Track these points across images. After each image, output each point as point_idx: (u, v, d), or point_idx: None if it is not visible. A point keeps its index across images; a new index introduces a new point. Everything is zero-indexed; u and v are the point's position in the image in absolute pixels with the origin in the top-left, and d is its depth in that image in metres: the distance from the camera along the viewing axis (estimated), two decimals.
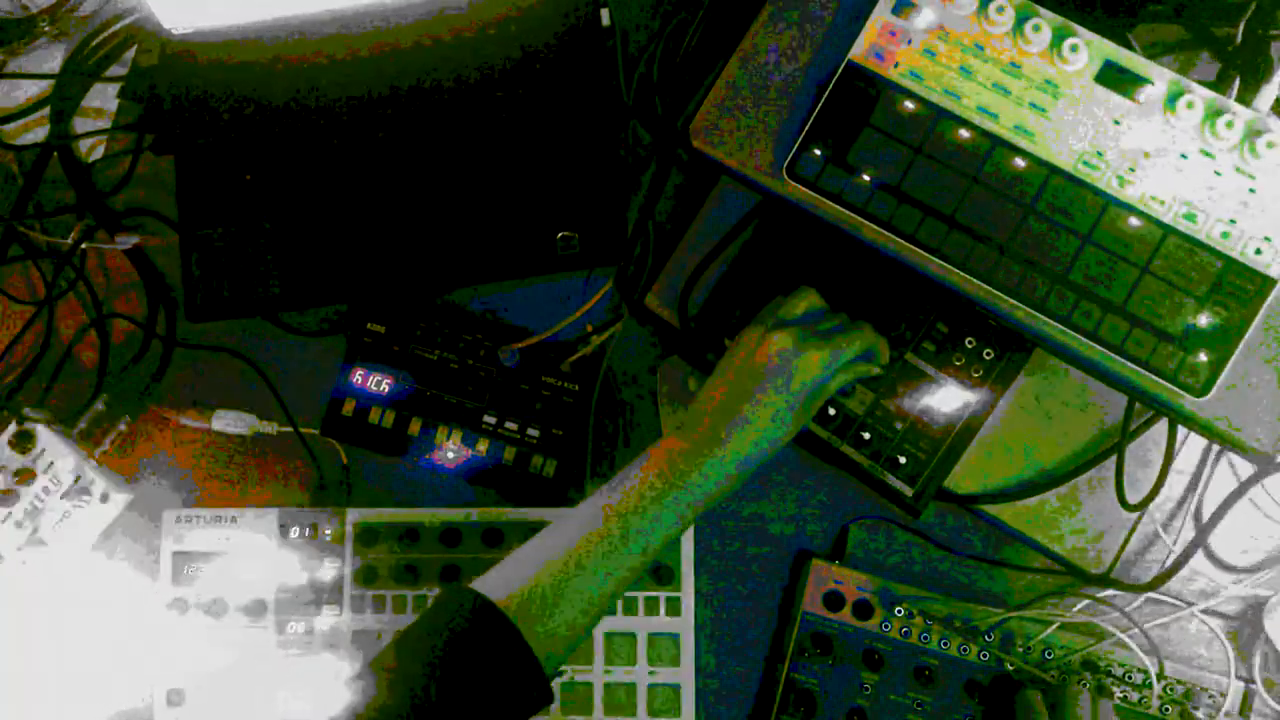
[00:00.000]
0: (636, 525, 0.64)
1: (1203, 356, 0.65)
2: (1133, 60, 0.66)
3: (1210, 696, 0.76)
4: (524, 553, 0.64)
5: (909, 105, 0.67)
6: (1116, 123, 0.66)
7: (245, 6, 0.82)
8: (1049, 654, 0.77)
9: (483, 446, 0.81)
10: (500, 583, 0.62)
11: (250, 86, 0.84)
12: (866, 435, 0.76)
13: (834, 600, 0.78)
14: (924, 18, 0.67)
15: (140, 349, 0.85)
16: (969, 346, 0.76)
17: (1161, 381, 0.65)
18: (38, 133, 0.87)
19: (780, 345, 0.67)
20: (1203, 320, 0.65)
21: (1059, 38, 0.66)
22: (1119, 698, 0.76)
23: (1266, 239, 0.64)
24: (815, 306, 0.71)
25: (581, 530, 0.64)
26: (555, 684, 0.77)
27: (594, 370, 0.82)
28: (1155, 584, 0.76)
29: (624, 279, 0.83)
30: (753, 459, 0.66)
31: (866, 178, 0.68)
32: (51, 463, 0.79)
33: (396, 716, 0.57)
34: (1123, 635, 0.75)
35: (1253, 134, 0.64)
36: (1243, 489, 0.77)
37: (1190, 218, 0.65)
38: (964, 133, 0.67)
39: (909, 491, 0.76)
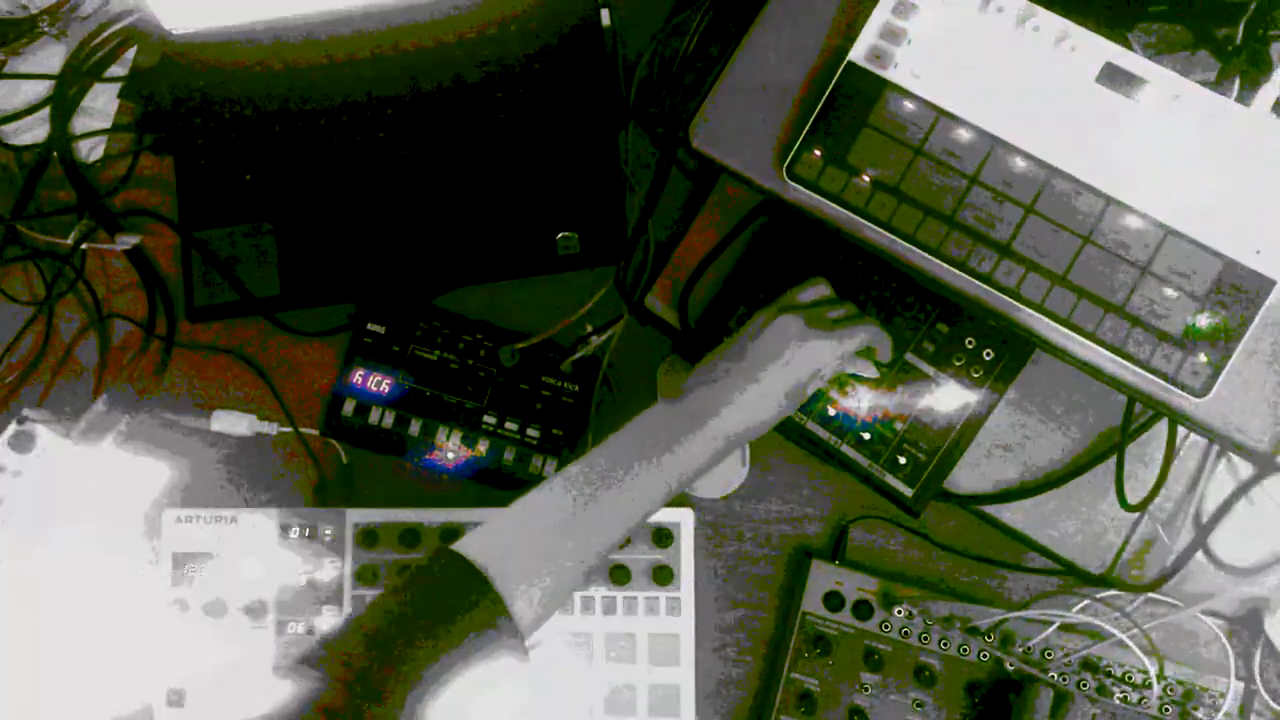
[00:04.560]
0: (622, 491, 0.63)
1: (1203, 356, 0.65)
2: (1133, 60, 0.66)
3: (1210, 696, 0.76)
4: (508, 514, 0.63)
5: (909, 105, 0.67)
6: (1116, 123, 0.66)
7: (245, 6, 0.82)
8: (1049, 654, 0.77)
9: (483, 446, 0.81)
10: (483, 544, 0.61)
11: (250, 86, 0.84)
12: (866, 435, 0.76)
13: (834, 600, 0.78)
14: (924, 17, 0.67)
15: (140, 349, 0.85)
16: (969, 346, 0.76)
17: (1161, 382, 0.65)
18: (38, 133, 0.87)
19: (785, 327, 0.67)
20: (1203, 320, 0.65)
21: (1059, 38, 0.66)
22: (1119, 698, 0.76)
23: (1266, 239, 0.64)
24: (825, 295, 0.72)
25: (568, 493, 0.63)
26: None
27: (594, 370, 0.82)
28: (1155, 584, 0.77)
29: (624, 279, 0.83)
30: (739, 435, 0.66)
31: (866, 178, 0.68)
32: (51, 463, 0.79)
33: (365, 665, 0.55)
34: (1123, 635, 0.75)
35: (1253, 134, 0.64)
36: (1243, 489, 0.77)
37: (1190, 218, 0.65)
38: (964, 133, 0.67)
39: (909, 491, 0.75)
